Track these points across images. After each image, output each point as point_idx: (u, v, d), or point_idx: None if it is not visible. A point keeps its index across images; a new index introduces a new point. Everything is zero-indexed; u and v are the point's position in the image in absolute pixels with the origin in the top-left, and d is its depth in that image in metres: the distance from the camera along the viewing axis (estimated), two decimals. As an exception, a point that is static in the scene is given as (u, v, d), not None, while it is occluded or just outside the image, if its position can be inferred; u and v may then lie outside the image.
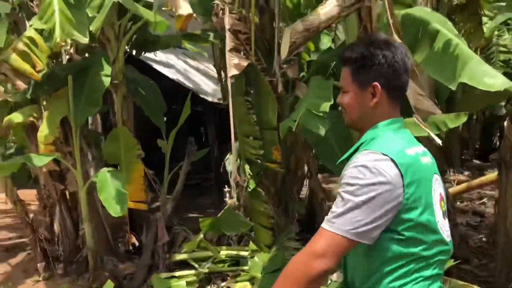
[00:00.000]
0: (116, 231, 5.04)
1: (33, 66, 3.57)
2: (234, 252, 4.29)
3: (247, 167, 4.27)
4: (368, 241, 1.25)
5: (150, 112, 5.25)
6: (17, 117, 4.38)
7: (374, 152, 1.29)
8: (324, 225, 1.26)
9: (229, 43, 3.97)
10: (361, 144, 1.39)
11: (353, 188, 1.24)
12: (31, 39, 3.61)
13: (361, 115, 1.41)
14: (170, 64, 8.21)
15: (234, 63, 3.90)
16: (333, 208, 1.28)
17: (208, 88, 8.27)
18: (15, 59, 3.49)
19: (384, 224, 1.25)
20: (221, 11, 4.03)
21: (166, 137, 5.58)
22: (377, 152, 1.28)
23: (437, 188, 1.36)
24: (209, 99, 7.48)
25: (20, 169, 4.98)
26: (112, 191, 3.64)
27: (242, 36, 4.09)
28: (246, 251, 4.30)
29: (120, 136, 4.61)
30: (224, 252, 4.27)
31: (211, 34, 6.02)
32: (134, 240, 4.61)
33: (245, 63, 3.90)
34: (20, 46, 3.56)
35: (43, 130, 4.13)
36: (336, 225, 1.23)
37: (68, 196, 4.82)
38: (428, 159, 1.39)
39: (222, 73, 6.71)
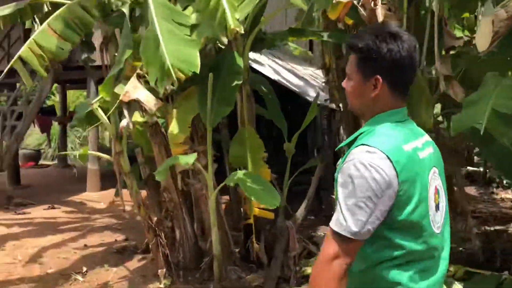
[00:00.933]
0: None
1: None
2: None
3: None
4: (369, 236, 1.31)
5: (271, 113, 4.94)
6: (141, 115, 4.22)
7: (370, 148, 1.31)
8: (332, 226, 1.31)
9: (381, 36, 3.57)
10: (360, 134, 1.42)
11: (351, 187, 1.29)
12: (175, 33, 3.39)
13: (361, 104, 1.45)
14: (264, 63, 7.94)
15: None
16: (337, 209, 1.31)
17: (305, 89, 7.92)
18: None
19: (381, 220, 1.30)
20: (372, 2, 3.64)
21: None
22: (373, 149, 1.31)
23: (434, 181, 1.40)
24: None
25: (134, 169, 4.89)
26: (257, 186, 3.42)
27: (393, 29, 3.68)
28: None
29: (246, 137, 4.34)
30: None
31: (325, 34, 5.66)
32: (262, 253, 4.31)
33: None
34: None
35: (174, 129, 3.92)
36: (342, 227, 1.28)
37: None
38: (427, 152, 1.41)
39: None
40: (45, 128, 11.20)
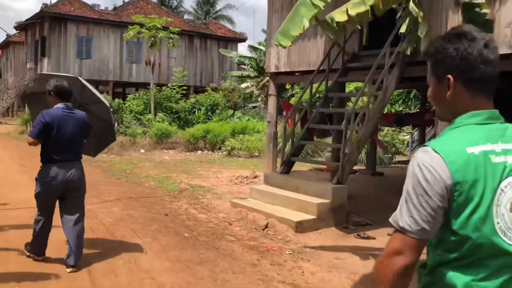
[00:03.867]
0: None
1: None
2: None
3: None
4: (431, 236, 1.33)
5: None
6: None
7: (427, 148, 1.34)
8: (394, 223, 1.35)
9: None
10: None
11: (407, 186, 1.34)
12: None
13: (443, 108, 1.47)
14: None
15: None
16: (399, 206, 1.35)
17: None
18: None
19: (439, 220, 1.30)
20: None
21: None
22: (429, 149, 1.33)
23: (510, 190, 1.32)
24: None
25: None
26: None
27: None
28: None
29: None
30: None
31: None
32: None
33: None
34: None
35: None
36: (402, 224, 1.32)
37: None
38: (510, 159, 1.33)
39: None
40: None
